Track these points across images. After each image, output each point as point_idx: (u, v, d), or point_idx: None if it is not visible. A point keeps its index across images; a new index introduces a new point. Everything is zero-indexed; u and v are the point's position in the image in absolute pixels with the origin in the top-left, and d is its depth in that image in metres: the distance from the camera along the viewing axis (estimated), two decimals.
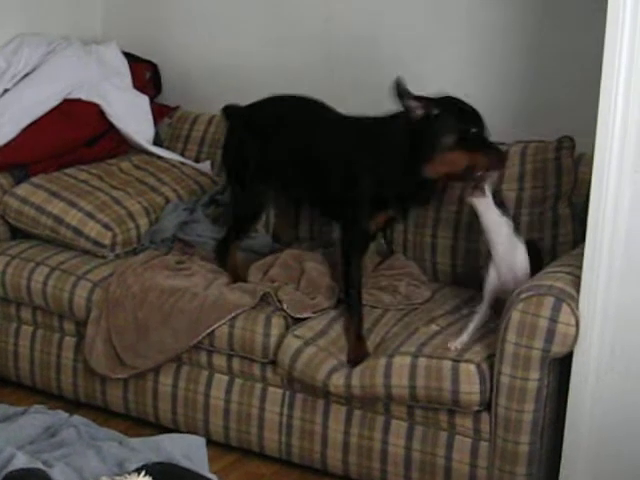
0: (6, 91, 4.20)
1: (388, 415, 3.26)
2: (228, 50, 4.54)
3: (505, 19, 3.91)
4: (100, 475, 2.23)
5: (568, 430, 3.03)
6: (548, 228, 3.61)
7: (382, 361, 3.18)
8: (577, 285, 2.94)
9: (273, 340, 3.38)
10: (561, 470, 3.07)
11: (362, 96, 4.18)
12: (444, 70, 4.08)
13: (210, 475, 2.37)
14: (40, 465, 2.23)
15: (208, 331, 3.46)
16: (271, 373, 3.42)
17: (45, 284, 3.79)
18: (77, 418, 2.63)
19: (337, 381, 3.23)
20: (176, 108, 4.61)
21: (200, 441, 2.55)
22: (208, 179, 4.37)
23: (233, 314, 3.43)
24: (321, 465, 3.42)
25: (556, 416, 3.09)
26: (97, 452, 2.37)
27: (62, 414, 2.66)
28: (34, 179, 4.07)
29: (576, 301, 2.92)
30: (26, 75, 4.25)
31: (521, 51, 3.90)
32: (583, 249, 2.92)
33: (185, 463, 2.35)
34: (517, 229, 3.25)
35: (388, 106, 3.25)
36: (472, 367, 3.07)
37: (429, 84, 4.08)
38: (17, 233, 4.09)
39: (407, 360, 3.14)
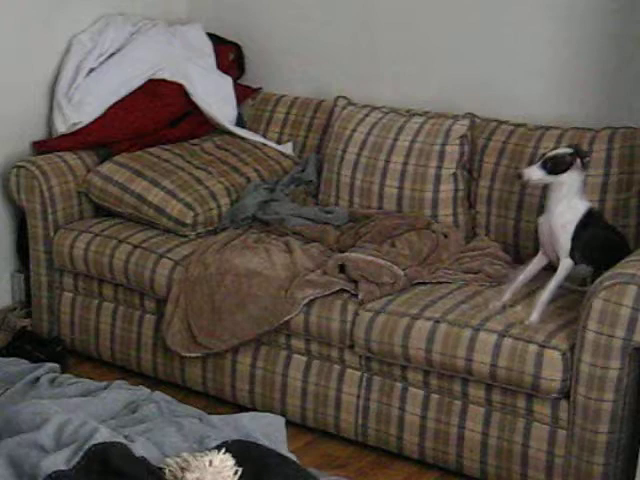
0: (92, 70, 4.25)
1: (465, 399, 3.26)
2: (312, 33, 4.55)
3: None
4: (181, 451, 2.25)
5: None
6: (634, 215, 3.58)
7: (467, 333, 3.19)
8: None
9: (349, 327, 3.40)
10: None
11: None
12: (532, 68, 4.07)
13: (288, 454, 2.38)
14: (122, 439, 2.26)
15: (281, 322, 3.49)
16: (349, 355, 3.43)
17: (127, 262, 3.85)
18: (159, 394, 2.66)
19: (417, 344, 3.24)
20: (259, 89, 4.63)
21: (280, 420, 2.56)
22: (290, 160, 4.39)
23: (301, 306, 3.45)
24: (397, 449, 3.42)
25: (636, 407, 3.06)
26: (178, 428, 2.40)
27: (144, 390, 2.69)
28: (118, 158, 4.12)
29: None
30: (111, 55, 4.31)
31: (609, 38, 3.86)
32: None
33: (264, 441, 2.36)
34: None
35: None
36: (557, 354, 3.05)
37: (518, 68, 4.09)
38: (100, 211, 4.15)
39: (493, 338, 3.15)
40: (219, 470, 2.11)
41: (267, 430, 2.44)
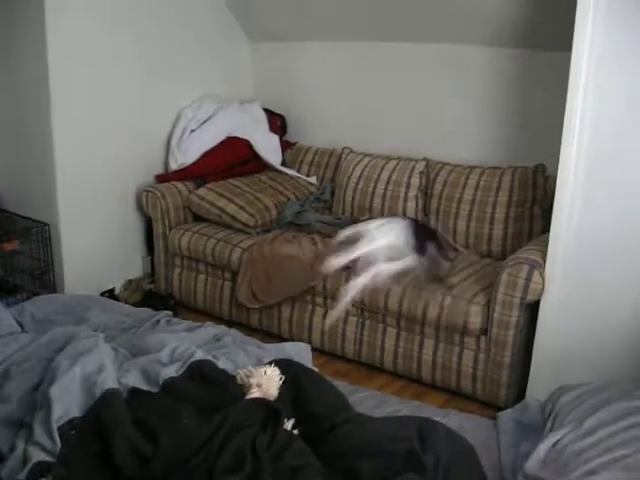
0: (193, 131, 4.26)
1: (422, 335, 3.27)
2: (328, 108, 4.52)
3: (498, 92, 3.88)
4: (246, 365, 2.23)
5: (535, 348, 3.02)
6: (527, 221, 3.56)
7: (423, 295, 3.19)
8: (544, 257, 2.91)
9: None
10: (530, 374, 3.06)
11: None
12: (464, 129, 4.02)
13: (313, 368, 2.38)
14: (211, 358, 2.25)
15: (308, 287, 3.49)
16: (350, 308, 3.42)
17: (213, 249, 3.84)
18: (233, 330, 2.64)
19: (393, 301, 3.24)
20: (295, 143, 4.61)
21: (307, 347, 2.52)
22: (314, 187, 4.37)
23: (321, 277, 3.43)
24: (379, 365, 3.43)
25: (527, 340, 3.07)
26: (245, 352, 2.38)
27: (224, 327, 2.67)
28: (208, 185, 4.12)
29: (543, 267, 2.90)
30: (205, 121, 4.30)
31: (513, 113, 3.84)
32: (549, 235, 2.90)
33: (298, 359, 2.34)
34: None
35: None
36: (479, 307, 3.07)
37: (455, 132, 4.05)
38: (197, 218, 4.15)
39: (439, 298, 3.15)
40: (270, 377, 2.09)
41: (299, 353, 2.43)
